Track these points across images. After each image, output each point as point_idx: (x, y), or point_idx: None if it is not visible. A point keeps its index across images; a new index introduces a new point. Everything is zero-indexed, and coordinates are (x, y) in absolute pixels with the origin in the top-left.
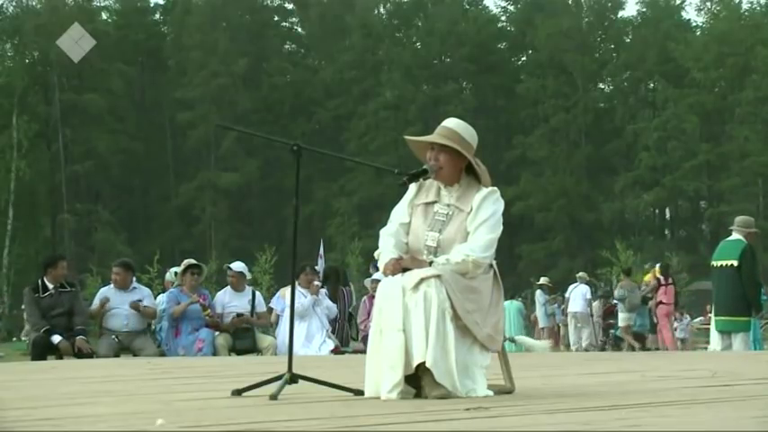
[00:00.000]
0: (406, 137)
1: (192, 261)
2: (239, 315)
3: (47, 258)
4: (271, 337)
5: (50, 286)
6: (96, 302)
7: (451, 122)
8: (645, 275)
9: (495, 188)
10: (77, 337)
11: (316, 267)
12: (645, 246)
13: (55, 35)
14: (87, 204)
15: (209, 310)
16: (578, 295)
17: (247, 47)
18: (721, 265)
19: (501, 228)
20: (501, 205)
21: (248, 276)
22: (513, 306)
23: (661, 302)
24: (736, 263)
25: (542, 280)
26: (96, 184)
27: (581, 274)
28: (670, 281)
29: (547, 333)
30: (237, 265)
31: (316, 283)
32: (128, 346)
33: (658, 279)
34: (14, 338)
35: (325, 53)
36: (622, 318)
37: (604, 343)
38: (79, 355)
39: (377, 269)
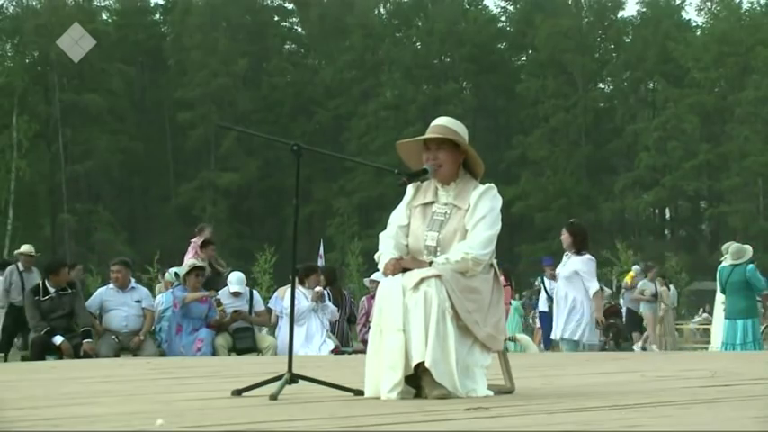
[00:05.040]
0: (399, 141)
1: (197, 262)
2: (236, 311)
3: (48, 264)
4: (271, 337)
5: (51, 290)
6: (95, 303)
7: (442, 120)
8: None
9: (492, 184)
10: (84, 341)
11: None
12: (645, 246)
13: (55, 35)
14: (87, 204)
15: (222, 307)
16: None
17: (247, 47)
18: None
19: (500, 224)
20: (499, 201)
21: (243, 286)
22: (511, 305)
23: None
24: None
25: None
26: (96, 184)
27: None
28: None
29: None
30: (235, 282)
31: (318, 289)
32: (128, 346)
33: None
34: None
35: (325, 53)
36: None
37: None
38: (80, 355)
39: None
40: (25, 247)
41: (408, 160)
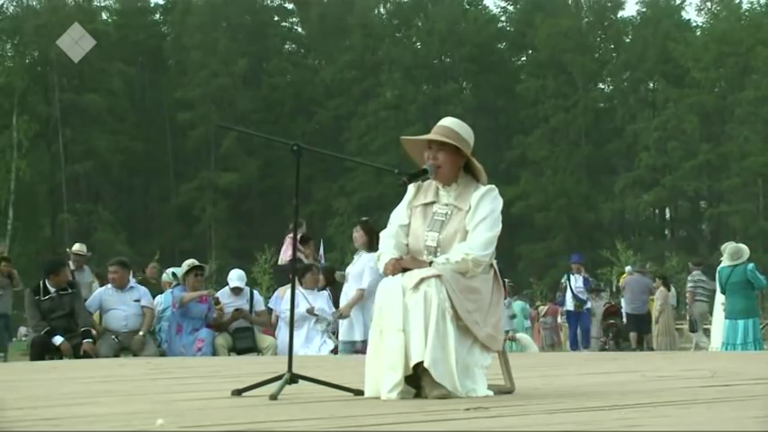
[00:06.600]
0: (402, 137)
1: (196, 262)
2: (237, 310)
3: (49, 264)
4: (271, 337)
5: (52, 290)
6: (94, 303)
7: (448, 121)
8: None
9: (493, 186)
10: (84, 341)
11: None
12: (645, 246)
13: (55, 35)
14: (87, 204)
15: (221, 305)
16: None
17: (247, 47)
18: None
19: (500, 226)
20: (499, 203)
21: (244, 282)
22: (517, 306)
23: None
24: None
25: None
26: (96, 184)
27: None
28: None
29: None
30: (235, 279)
31: (321, 316)
32: (128, 346)
33: None
34: (14, 338)
35: (325, 53)
36: None
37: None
38: (80, 355)
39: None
40: (76, 246)
41: (413, 155)
